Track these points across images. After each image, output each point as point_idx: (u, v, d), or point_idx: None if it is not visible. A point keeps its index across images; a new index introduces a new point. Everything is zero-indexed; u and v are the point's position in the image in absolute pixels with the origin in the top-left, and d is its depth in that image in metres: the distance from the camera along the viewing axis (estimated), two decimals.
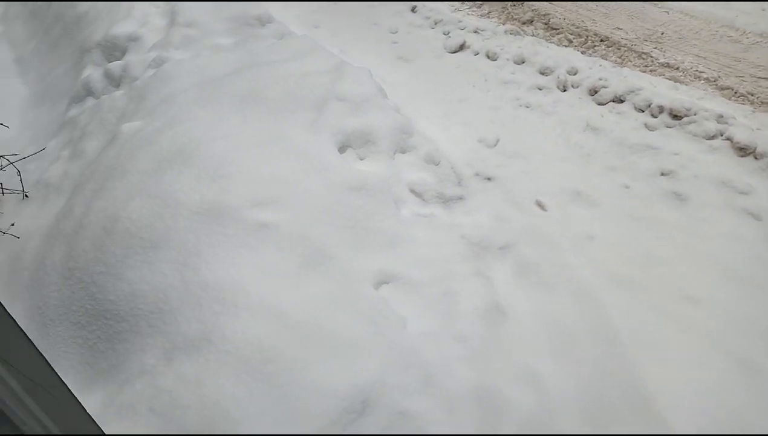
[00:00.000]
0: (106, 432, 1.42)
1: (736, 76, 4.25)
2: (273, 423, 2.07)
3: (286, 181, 2.94)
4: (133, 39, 4.67)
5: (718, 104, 4.00)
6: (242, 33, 4.59)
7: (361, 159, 3.37)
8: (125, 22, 4.77)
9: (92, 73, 4.44)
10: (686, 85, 4.24)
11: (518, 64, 4.66)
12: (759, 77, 4.22)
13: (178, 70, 4.00)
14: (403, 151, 3.51)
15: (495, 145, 3.86)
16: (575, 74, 4.41)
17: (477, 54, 4.87)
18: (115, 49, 4.65)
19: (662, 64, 4.49)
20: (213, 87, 3.71)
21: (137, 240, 2.59)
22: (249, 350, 2.20)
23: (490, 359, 2.52)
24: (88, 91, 4.31)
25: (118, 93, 4.06)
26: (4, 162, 3.49)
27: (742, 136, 3.62)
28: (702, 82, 4.26)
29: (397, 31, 5.30)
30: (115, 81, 4.32)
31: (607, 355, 2.57)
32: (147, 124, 3.42)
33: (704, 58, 4.48)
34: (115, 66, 4.38)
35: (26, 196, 3.47)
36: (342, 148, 3.35)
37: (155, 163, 2.99)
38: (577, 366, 2.53)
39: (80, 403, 1.22)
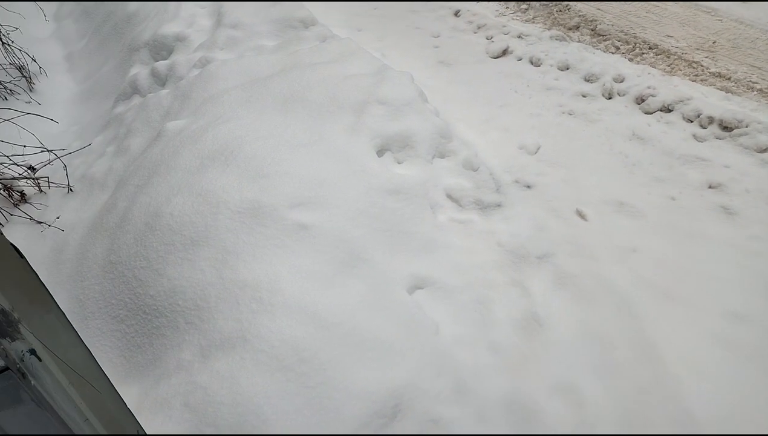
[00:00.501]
0: (141, 424, 1.44)
1: None
2: (305, 423, 2.07)
3: (325, 183, 2.95)
4: (180, 39, 4.78)
5: None
6: (286, 35, 4.64)
7: (399, 163, 3.36)
8: (173, 23, 4.89)
9: (139, 71, 4.56)
10: (738, 96, 4.09)
11: (562, 70, 4.58)
12: None
13: (222, 71, 4.07)
14: (442, 156, 3.49)
15: (536, 153, 3.79)
16: (622, 82, 4.31)
17: (520, 59, 4.80)
18: (162, 49, 4.77)
19: (713, 74, 4.34)
20: (256, 88, 3.76)
21: (178, 236, 2.63)
22: (284, 349, 2.21)
23: (525, 369, 2.48)
24: (135, 89, 4.43)
25: (164, 92, 4.15)
26: (51, 156, 3.60)
27: None
28: (755, 93, 4.11)
29: (439, 36, 5.28)
30: (161, 80, 4.43)
31: (648, 371, 2.49)
32: (191, 123, 3.48)
33: (759, 68, 4.31)
34: (162, 65, 4.48)
35: (71, 190, 3.57)
36: (380, 152, 3.34)
37: (198, 161, 3.04)
38: (616, 381, 2.46)
39: (121, 397, 1.24)
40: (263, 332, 2.24)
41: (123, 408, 1.28)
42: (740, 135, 3.69)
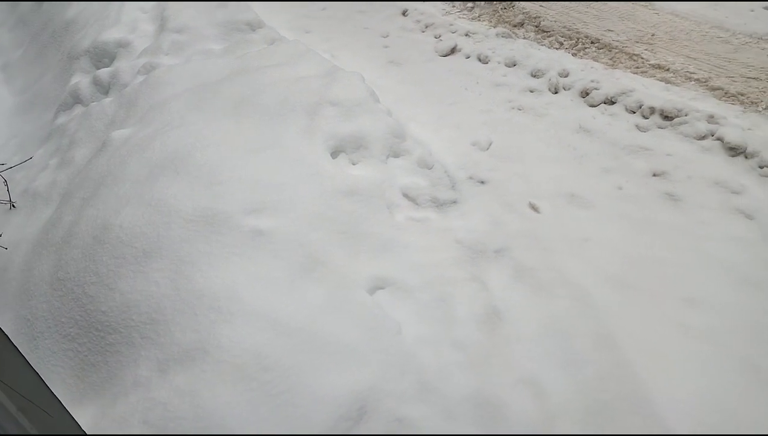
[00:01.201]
0: None
1: (727, 77, 4.28)
2: (270, 431, 2.04)
3: (280, 188, 2.91)
4: (122, 45, 4.64)
5: (709, 105, 4.01)
6: (233, 38, 4.57)
7: (354, 164, 3.35)
8: (114, 29, 4.73)
9: (81, 80, 4.40)
10: (677, 86, 4.25)
11: (510, 66, 4.66)
12: (749, 77, 4.25)
13: (168, 76, 3.97)
14: (396, 156, 3.50)
15: (488, 148, 3.85)
16: (567, 76, 4.42)
17: (468, 57, 4.86)
18: (103, 56, 4.62)
19: (653, 66, 4.51)
20: (205, 93, 3.68)
21: (129, 249, 2.55)
22: (245, 358, 2.17)
23: (488, 364, 2.50)
24: (77, 99, 4.27)
25: (107, 100, 4.02)
26: None
27: (733, 137, 3.64)
28: (693, 82, 4.28)
29: (388, 36, 5.29)
30: (104, 88, 4.29)
31: (606, 358, 2.55)
32: (138, 131, 3.38)
33: (695, 59, 4.50)
34: (104, 73, 4.34)
35: (13, 206, 3.42)
36: (335, 154, 3.33)
37: (147, 170, 2.96)
38: (577, 370, 2.50)
39: (74, 419, 1.19)
40: (223, 342, 2.19)
41: (77, 431, 1.23)
42: (680, 124, 3.84)
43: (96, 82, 4.32)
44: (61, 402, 1.22)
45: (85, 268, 2.58)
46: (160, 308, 2.33)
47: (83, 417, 2.19)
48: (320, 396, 2.16)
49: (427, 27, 5.35)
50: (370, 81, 4.01)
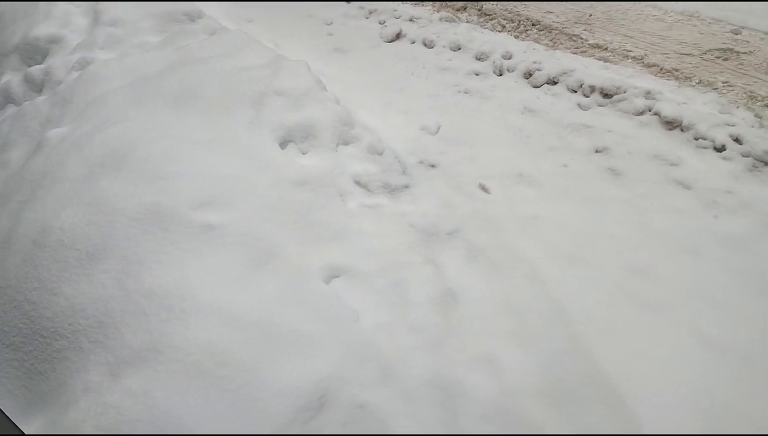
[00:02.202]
0: None
1: (662, 54, 4.43)
2: (229, 427, 2.02)
3: (229, 180, 2.86)
4: (55, 41, 4.44)
5: (645, 81, 4.15)
6: (171, 30, 4.44)
7: (304, 153, 3.32)
8: (45, 24, 4.52)
9: (11, 78, 4.19)
10: (615, 64, 4.38)
11: (455, 50, 4.69)
12: (682, 53, 4.41)
13: (105, 71, 3.83)
14: (346, 143, 3.49)
15: (437, 132, 3.88)
16: (510, 59, 4.49)
17: (414, 42, 4.88)
18: (35, 52, 4.41)
19: (592, 45, 4.62)
20: (145, 87, 3.57)
21: (72, 252, 2.46)
22: (200, 355, 2.13)
23: (446, 346, 2.53)
24: (8, 99, 4.07)
25: (41, 98, 3.85)
26: None
27: (669, 111, 3.78)
28: (630, 60, 4.42)
29: (332, 23, 5.25)
30: (36, 86, 4.10)
31: (560, 333, 2.60)
32: (75, 129, 3.25)
33: (631, 37, 4.64)
34: (36, 70, 4.15)
35: None
36: (283, 144, 3.29)
37: (86, 169, 2.85)
38: (532, 347, 2.55)
39: (22, 432, 1.14)
40: (176, 341, 2.15)
41: None
42: (619, 101, 3.96)
43: (28, 80, 4.12)
44: (5, 414, 1.17)
45: (26, 274, 2.48)
46: (108, 311, 2.26)
47: (33, 428, 2.11)
48: (279, 388, 2.14)
49: (371, 13, 5.32)
50: (316, 69, 3.98)
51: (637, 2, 5.03)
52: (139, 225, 2.53)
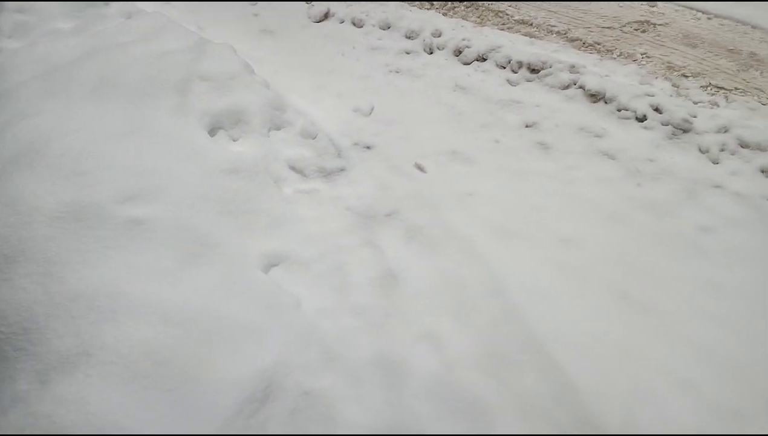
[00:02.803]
0: None
1: (584, 28, 4.56)
2: (171, 427, 1.96)
3: (156, 172, 2.75)
4: None
5: (569, 55, 4.27)
6: (84, 15, 4.18)
7: (234, 140, 3.23)
8: None
9: None
10: (541, 39, 4.47)
11: (384, 29, 4.66)
12: (603, 27, 4.56)
13: (13, 62, 3.57)
14: (278, 128, 3.41)
15: (370, 114, 3.85)
16: (439, 36, 4.50)
17: (342, 22, 4.81)
18: None
19: (518, 21, 4.70)
20: (58, 76, 3.35)
21: None
22: (135, 356, 2.05)
23: (388, 326, 2.55)
24: None
25: None
26: None
27: (593, 84, 3.90)
28: (554, 35, 4.52)
29: (256, 4, 5.09)
30: None
31: (497, 305, 2.67)
32: None
33: (555, 12, 4.75)
34: None
35: None
36: (212, 131, 3.18)
37: None
38: (471, 320, 2.61)
39: None
40: (108, 342, 2.06)
41: None
42: (546, 75, 4.05)
43: None
44: None
45: None
46: (32, 316, 2.13)
47: None
48: (222, 383, 2.10)
49: None
50: (243, 52, 3.86)
51: None
52: (59, 224, 2.40)
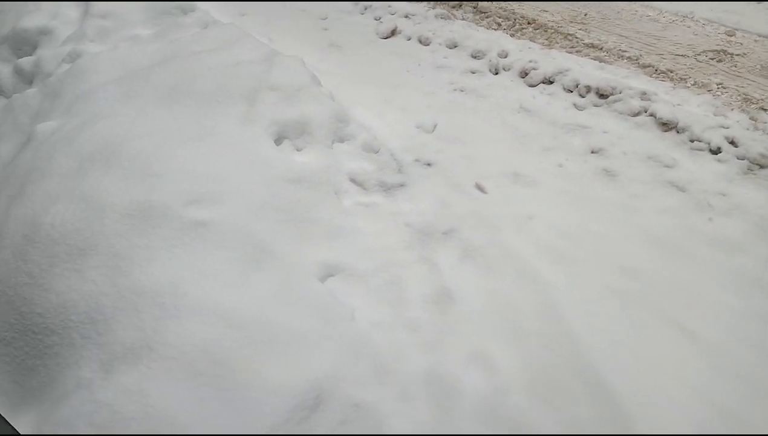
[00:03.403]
0: None
1: (657, 54, 4.44)
2: (223, 426, 1.99)
3: (222, 177, 2.82)
4: (45, 32, 4.37)
5: (641, 82, 4.16)
6: (162, 23, 4.38)
7: (299, 150, 3.29)
8: (34, 15, 4.45)
9: (1, 70, 4.13)
10: (611, 64, 4.38)
11: (451, 48, 4.68)
12: (677, 54, 4.42)
13: (95, 64, 3.77)
14: (341, 140, 3.46)
15: (433, 131, 3.86)
16: (506, 57, 4.48)
17: (409, 39, 4.85)
18: (24, 44, 4.34)
19: (587, 45, 4.62)
20: (135, 80, 3.51)
21: (62, 247, 2.41)
22: (194, 354, 2.10)
23: (441, 344, 2.53)
24: None
25: (31, 91, 3.78)
26: None
27: (664, 112, 3.78)
28: (625, 60, 4.42)
29: (326, 18, 5.21)
30: (26, 78, 4.04)
31: (551, 330, 2.62)
32: (64, 123, 3.20)
33: (626, 37, 4.64)
34: (26, 62, 4.08)
35: None
36: (278, 140, 3.25)
37: (76, 164, 2.80)
38: (525, 344, 2.57)
39: (13, 427, 1.11)
40: (170, 339, 2.12)
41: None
42: (615, 101, 3.96)
43: (17, 72, 4.06)
44: None
45: (16, 269, 2.43)
46: (100, 307, 2.22)
47: (24, 424, 2.07)
48: (274, 387, 2.12)
49: (366, 9, 5.29)
50: (311, 65, 3.94)
51: (631, 2, 5.03)
52: (129, 221, 2.49)
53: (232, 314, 2.25)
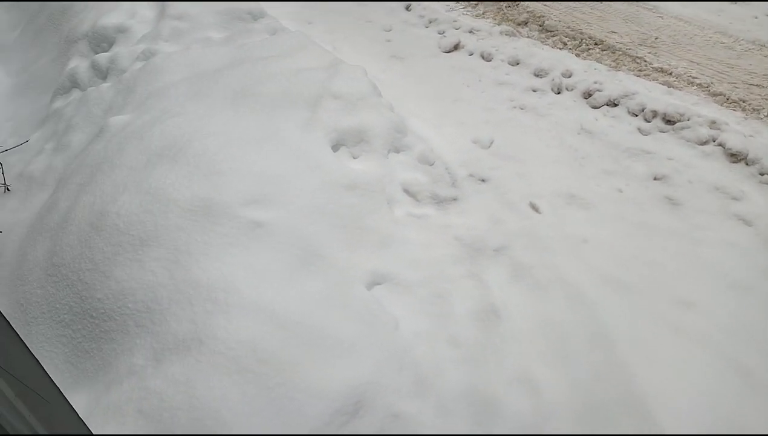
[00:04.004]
0: (93, 433, 1.36)
1: (729, 83, 4.27)
2: (265, 424, 2.02)
3: (280, 180, 2.89)
4: (122, 30, 4.58)
5: (711, 110, 4.01)
6: (233, 27, 4.52)
7: (355, 158, 3.32)
8: (113, 14, 4.68)
9: (78, 64, 4.34)
10: (680, 90, 4.24)
11: (513, 65, 4.64)
12: (751, 84, 4.25)
13: (167, 64, 3.92)
14: (397, 151, 3.48)
15: (489, 147, 3.83)
16: (570, 77, 4.40)
17: (472, 54, 4.84)
18: (102, 41, 4.56)
19: (656, 69, 4.50)
20: (204, 81, 3.64)
21: (126, 237, 2.52)
22: (241, 350, 2.14)
23: (484, 362, 2.50)
24: (74, 83, 4.22)
25: (105, 85, 3.97)
26: None
27: (734, 143, 3.63)
28: (695, 87, 4.28)
29: (391, 30, 5.26)
30: (102, 73, 4.23)
31: (601, 358, 2.55)
32: (136, 118, 3.34)
33: (698, 63, 4.49)
34: (103, 58, 4.28)
35: (8, 189, 3.38)
36: (336, 147, 3.30)
37: (145, 158, 2.92)
38: (571, 369, 2.50)
39: (72, 406, 1.16)
40: (219, 334, 2.17)
41: (73, 417, 1.20)
42: (682, 128, 3.83)
43: (94, 67, 4.26)
44: (58, 388, 1.20)
45: (80, 254, 2.55)
46: (156, 297, 2.30)
47: (77, 404, 2.15)
48: (316, 390, 2.14)
49: (430, 22, 5.32)
50: (372, 75, 3.99)
51: (706, 29, 4.87)
52: (191, 217, 2.58)
53: (280, 314, 2.29)
